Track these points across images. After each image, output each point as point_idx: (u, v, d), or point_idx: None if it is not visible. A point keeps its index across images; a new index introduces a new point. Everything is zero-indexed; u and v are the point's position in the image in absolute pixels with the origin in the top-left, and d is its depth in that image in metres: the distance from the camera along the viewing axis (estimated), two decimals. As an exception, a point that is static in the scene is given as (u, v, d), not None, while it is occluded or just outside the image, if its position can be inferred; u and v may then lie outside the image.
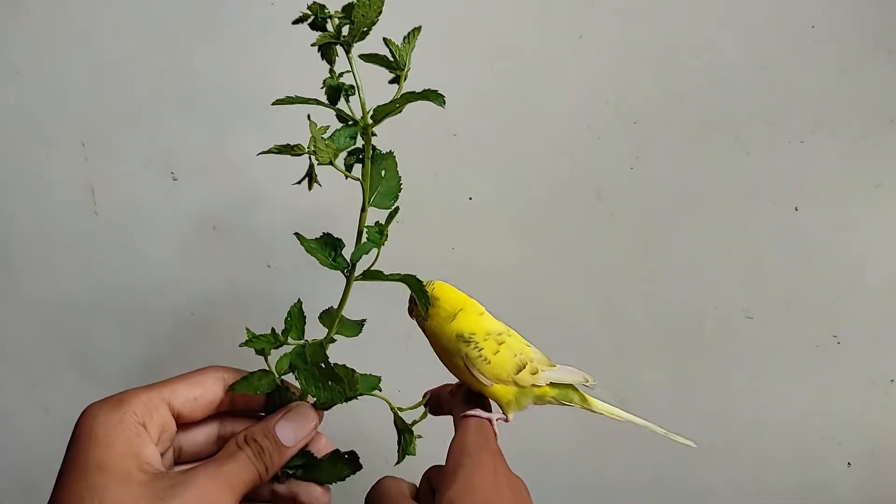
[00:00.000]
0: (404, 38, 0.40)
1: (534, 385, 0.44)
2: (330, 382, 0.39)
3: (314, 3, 0.38)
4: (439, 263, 0.60)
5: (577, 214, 0.59)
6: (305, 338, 0.41)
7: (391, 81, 0.40)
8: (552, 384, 0.45)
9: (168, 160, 0.56)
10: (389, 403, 0.42)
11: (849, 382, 0.63)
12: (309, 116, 0.38)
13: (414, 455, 0.41)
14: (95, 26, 0.53)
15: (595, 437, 0.67)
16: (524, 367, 0.44)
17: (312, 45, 0.39)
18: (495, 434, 0.43)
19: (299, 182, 0.41)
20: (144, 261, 0.60)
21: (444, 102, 0.38)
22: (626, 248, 0.60)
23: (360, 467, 0.40)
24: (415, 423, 0.43)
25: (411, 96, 0.38)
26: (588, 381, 0.47)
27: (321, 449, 0.41)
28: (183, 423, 0.39)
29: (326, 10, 0.38)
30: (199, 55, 0.54)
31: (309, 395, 0.40)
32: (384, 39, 0.39)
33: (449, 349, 0.43)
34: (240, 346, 0.40)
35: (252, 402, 0.41)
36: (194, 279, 0.60)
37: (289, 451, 0.38)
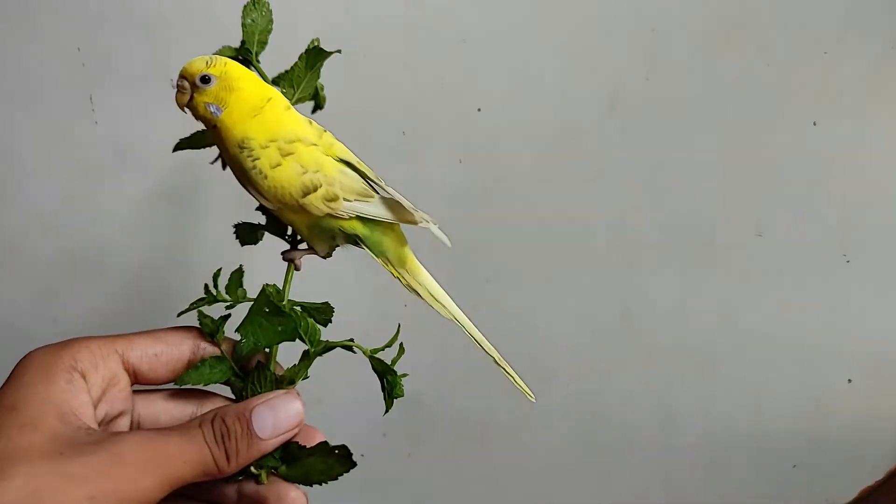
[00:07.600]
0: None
1: (332, 215, 0.34)
2: (277, 323, 0.33)
3: None
4: (446, 176, 0.59)
5: (590, 125, 0.57)
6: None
7: None
8: (362, 219, 0.35)
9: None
10: (361, 348, 0.35)
11: (857, 301, 0.63)
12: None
13: (402, 396, 0.35)
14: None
15: (600, 350, 0.67)
16: (315, 190, 0.33)
17: None
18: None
19: (213, 162, 0.38)
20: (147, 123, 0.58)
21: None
22: (638, 160, 0.59)
23: (353, 465, 0.33)
24: (394, 361, 0.35)
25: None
26: (426, 222, 0.35)
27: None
28: (143, 385, 0.33)
29: None
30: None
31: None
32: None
33: (234, 158, 0.33)
34: (177, 315, 0.34)
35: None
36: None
37: (262, 443, 0.31)
